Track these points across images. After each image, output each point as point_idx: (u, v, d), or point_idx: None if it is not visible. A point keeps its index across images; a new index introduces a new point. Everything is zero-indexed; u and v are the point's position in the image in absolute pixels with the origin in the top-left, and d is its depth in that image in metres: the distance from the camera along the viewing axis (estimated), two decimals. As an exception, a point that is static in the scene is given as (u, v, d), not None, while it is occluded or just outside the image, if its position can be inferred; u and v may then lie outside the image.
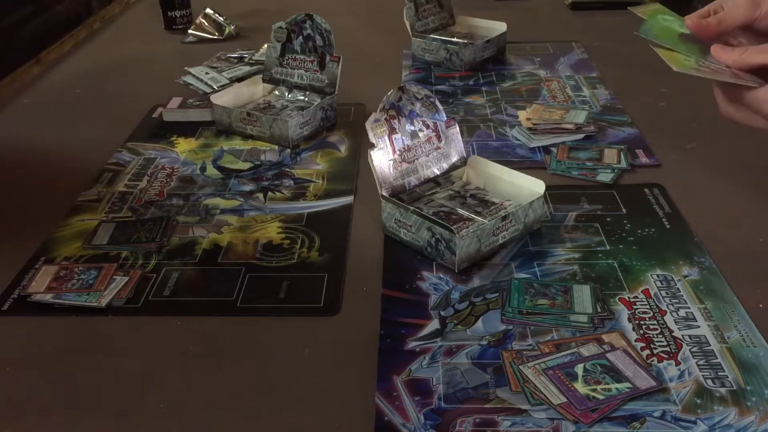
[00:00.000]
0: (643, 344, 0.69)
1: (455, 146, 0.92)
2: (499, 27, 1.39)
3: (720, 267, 0.79)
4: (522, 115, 1.12)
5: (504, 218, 0.82)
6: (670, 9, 0.75)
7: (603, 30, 1.52)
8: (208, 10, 1.55)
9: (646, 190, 0.94)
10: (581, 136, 1.06)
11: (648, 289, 0.76)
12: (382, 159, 0.85)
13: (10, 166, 1.06)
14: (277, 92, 1.19)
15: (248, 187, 0.97)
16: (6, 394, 0.66)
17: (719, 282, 0.77)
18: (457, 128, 0.92)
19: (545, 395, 0.63)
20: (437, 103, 0.90)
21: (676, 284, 0.77)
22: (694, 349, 0.68)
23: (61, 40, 1.51)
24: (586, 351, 0.68)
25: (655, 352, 0.68)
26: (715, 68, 0.67)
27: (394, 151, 0.86)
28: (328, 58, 1.12)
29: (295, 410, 0.64)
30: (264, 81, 1.20)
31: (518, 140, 1.07)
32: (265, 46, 1.25)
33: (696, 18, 0.70)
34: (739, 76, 0.66)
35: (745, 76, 0.66)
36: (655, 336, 0.70)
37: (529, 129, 1.08)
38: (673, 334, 0.70)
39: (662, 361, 0.67)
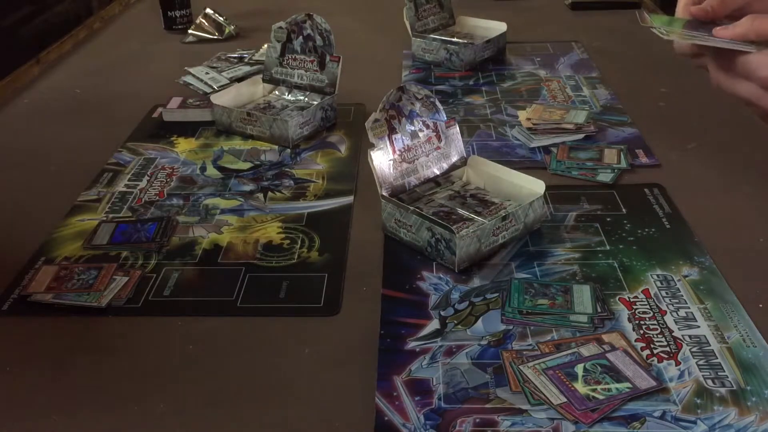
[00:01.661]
0: (643, 344, 0.69)
1: (455, 146, 0.92)
2: (499, 27, 1.39)
3: (720, 267, 0.79)
4: (522, 115, 1.12)
5: (504, 218, 0.82)
6: None
7: (603, 30, 1.52)
8: (208, 10, 1.55)
9: (646, 190, 0.94)
10: (581, 136, 1.06)
11: (648, 289, 0.76)
12: (382, 159, 0.85)
13: (10, 166, 1.06)
14: (277, 92, 1.19)
15: (248, 187, 0.97)
16: (6, 394, 0.66)
17: (719, 282, 0.77)
18: (457, 128, 0.92)
19: (545, 395, 0.63)
20: (437, 103, 0.90)
21: (676, 284, 0.77)
22: (694, 349, 0.68)
23: (61, 40, 1.51)
24: (586, 351, 0.68)
25: (655, 352, 0.68)
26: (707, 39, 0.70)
27: (394, 151, 0.86)
28: (328, 58, 1.12)
29: (295, 410, 0.64)
30: (264, 81, 1.20)
31: (518, 140, 1.07)
32: (265, 46, 1.25)
33: (691, 5, 0.72)
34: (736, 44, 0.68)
35: (743, 44, 0.68)
36: (655, 336, 0.70)
37: (529, 129, 1.08)
38: (673, 334, 0.70)
39: (662, 361, 0.67)
